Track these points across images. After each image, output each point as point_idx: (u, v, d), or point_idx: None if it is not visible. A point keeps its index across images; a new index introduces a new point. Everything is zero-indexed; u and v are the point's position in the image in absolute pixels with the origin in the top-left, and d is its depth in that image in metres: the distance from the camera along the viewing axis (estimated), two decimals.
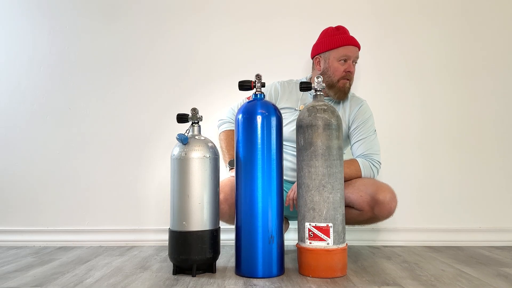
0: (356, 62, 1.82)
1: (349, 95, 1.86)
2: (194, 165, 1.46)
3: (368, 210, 1.63)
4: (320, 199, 1.41)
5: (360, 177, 1.71)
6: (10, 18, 2.27)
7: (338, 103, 1.84)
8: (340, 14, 2.18)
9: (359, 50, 1.82)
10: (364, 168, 1.71)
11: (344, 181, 1.57)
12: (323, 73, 1.81)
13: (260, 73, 1.54)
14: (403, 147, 2.14)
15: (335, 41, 1.80)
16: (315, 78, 1.53)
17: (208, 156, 1.48)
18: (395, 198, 1.61)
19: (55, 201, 2.17)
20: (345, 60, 1.77)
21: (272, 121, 1.46)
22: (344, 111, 1.83)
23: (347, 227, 1.63)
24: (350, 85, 1.81)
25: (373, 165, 1.73)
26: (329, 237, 1.40)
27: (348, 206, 1.67)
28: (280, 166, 1.47)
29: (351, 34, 1.84)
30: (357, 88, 2.14)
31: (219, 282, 1.38)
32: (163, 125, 2.16)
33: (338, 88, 1.79)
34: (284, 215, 1.74)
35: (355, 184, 1.67)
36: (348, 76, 1.78)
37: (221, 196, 1.64)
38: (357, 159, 1.74)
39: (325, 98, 1.82)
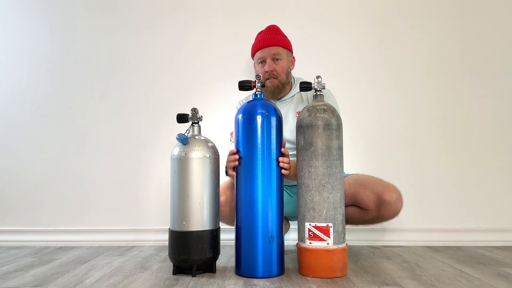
0: (279, 59, 1.77)
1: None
2: (194, 165, 1.46)
3: (373, 210, 1.63)
4: (320, 199, 1.41)
5: None
6: (10, 18, 2.27)
7: (301, 99, 1.83)
8: (341, 14, 2.19)
9: (279, 46, 1.78)
10: None
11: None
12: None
13: (260, 74, 1.54)
14: (403, 147, 2.14)
15: (253, 47, 1.86)
16: (315, 78, 1.52)
17: (208, 156, 1.48)
18: (401, 199, 1.62)
19: (55, 201, 2.17)
20: (263, 62, 1.79)
21: (272, 121, 1.46)
22: (306, 103, 1.81)
23: (347, 227, 1.63)
24: (281, 82, 1.78)
25: None
26: (329, 237, 1.40)
27: (353, 205, 1.67)
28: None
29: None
30: (353, 88, 2.15)
31: (219, 282, 1.38)
32: (163, 125, 2.16)
33: (266, 89, 1.77)
34: (285, 216, 1.74)
35: (361, 182, 1.67)
36: (271, 75, 1.76)
37: (222, 198, 1.65)
38: None
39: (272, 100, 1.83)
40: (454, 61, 2.17)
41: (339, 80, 2.11)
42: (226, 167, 1.56)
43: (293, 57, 1.87)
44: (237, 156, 1.46)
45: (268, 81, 1.77)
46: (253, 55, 1.87)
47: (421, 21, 2.19)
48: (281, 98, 1.84)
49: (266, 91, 1.79)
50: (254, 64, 1.88)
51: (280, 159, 1.46)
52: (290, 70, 1.84)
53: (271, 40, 1.79)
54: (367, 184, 1.66)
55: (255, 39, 1.87)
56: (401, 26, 2.19)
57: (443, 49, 2.17)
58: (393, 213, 1.62)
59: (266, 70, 1.76)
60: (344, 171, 1.64)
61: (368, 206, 1.63)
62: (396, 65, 2.17)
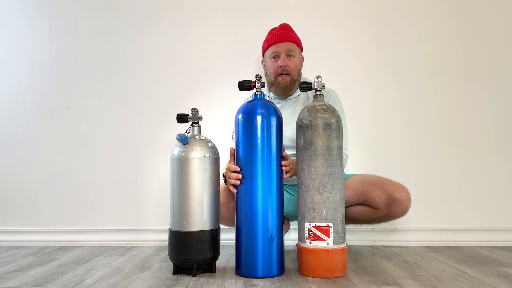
0: (293, 55, 1.77)
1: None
2: (194, 165, 1.46)
3: (384, 208, 1.65)
4: (320, 199, 1.41)
5: None
6: (10, 18, 2.27)
7: (308, 99, 1.84)
8: (341, 14, 2.19)
9: (293, 42, 1.79)
10: (345, 163, 1.77)
11: None
12: (265, 75, 1.85)
13: (260, 73, 1.54)
14: (403, 147, 2.14)
15: (265, 42, 1.85)
16: (315, 78, 1.53)
17: (208, 156, 1.48)
18: (410, 197, 1.65)
19: (55, 201, 2.17)
20: (276, 56, 1.78)
21: (272, 121, 1.46)
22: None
23: (347, 227, 1.63)
24: (293, 79, 1.77)
25: (346, 160, 1.78)
26: (329, 237, 1.40)
27: (362, 204, 1.68)
28: (280, 166, 1.47)
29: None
30: (353, 88, 2.15)
31: (219, 282, 1.38)
32: (163, 125, 2.16)
33: (277, 85, 1.78)
34: (285, 215, 1.75)
35: (370, 182, 1.69)
36: (284, 70, 1.75)
37: (220, 199, 1.64)
38: None
39: (277, 98, 1.84)
40: (455, 61, 2.17)
41: (340, 80, 2.11)
42: (224, 177, 1.56)
43: (302, 57, 1.87)
44: (240, 176, 1.45)
45: (280, 77, 1.76)
46: (264, 51, 1.85)
47: (421, 21, 2.18)
48: (287, 97, 1.84)
49: (277, 87, 1.79)
50: (263, 60, 1.87)
51: (283, 163, 1.47)
52: (300, 68, 1.84)
53: (287, 36, 1.79)
54: (377, 183, 1.67)
55: (268, 35, 1.86)
56: (400, 26, 2.19)
57: (444, 49, 2.17)
58: (403, 211, 1.66)
59: (280, 64, 1.76)
60: (345, 171, 1.65)
61: (379, 204, 1.65)
62: (396, 65, 2.17)
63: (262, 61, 1.89)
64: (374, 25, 2.19)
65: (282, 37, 1.79)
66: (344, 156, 1.76)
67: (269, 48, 1.81)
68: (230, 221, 1.70)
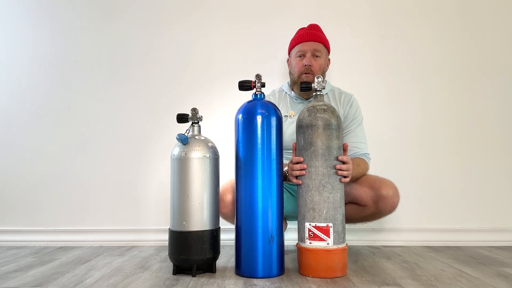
0: (318, 56, 1.77)
1: (336, 90, 1.85)
2: (194, 165, 1.46)
3: (371, 205, 1.65)
4: (320, 199, 1.41)
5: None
6: (10, 18, 2.27)
7: (329, 101, 1.83)
8: (340, 15, 2.19)
9: (321, 43, 1.78)
10: (368, 164, 1.76)
11: (355, 180, 1.63)
12: (290, 73, 1.85)
13: (260, 73, 1.54)
14: (404, 147, 2.14)
15: (292, 40, 1.85)
16: (315, 78, 1.52)
17: (208, 156, 1.48)
18: (398, 193, 1.65)
19: (55, 201, 2.17)
20: (302, 55, 1.78)
21: (272, 121, 1.46)
22: (336, 106, 1.81)
23: (347, 226, 1.63)
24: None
25: (368, 160, 1.78)
26: (329, 237, 1.40)
27: (351, 202, 1.68)
28: (280, 166, 1.47)
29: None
30: (358, 87, 2.14)
31: (219, 282, 1.38)
32: (163, 125, 2.16)
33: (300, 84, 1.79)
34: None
35: (358, 180, 1.68)
36: (308, 69, 1.75)
37: (230, 197, 1.64)
38: (361, 157, 1.75)
39: (298, 98, 1.83)
40: (455, 61, 2.17)
41: (342, 80, 2.11)
42: (287, 172, 1.53)
43: (329, 59, 1.86)
44: (305, 166, 1.44)
45: (303, 75, 1.75)
46: (290, 49, 1.85)
47: (431, 21, 2.18)
48: (309, 98, 1.83)
49: (296, 85, 1.78)
50: (289, 59, 1.87)
51: (338, 166, 1.43)
52: (326, 70, 1.83)
53: (314, 36, 1.79)
54: (364, 181, 1.68)
55: (296, 33, 1.86)
56: (408, 26, 2.18)
57: (446, 49, 2.17)
58: (391, 208, 1.65)
59: (305, 64, 1.75)
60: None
61: (366, 202, 1.65)
62: (398, 65, 2.17)
63: (288, 59, 1.89)
64: (390, 23, 2.18)
65: (310, 36, 1.78)
66: (369, 158, 1.77)
67: (296, 47, 1.81)
68: None
